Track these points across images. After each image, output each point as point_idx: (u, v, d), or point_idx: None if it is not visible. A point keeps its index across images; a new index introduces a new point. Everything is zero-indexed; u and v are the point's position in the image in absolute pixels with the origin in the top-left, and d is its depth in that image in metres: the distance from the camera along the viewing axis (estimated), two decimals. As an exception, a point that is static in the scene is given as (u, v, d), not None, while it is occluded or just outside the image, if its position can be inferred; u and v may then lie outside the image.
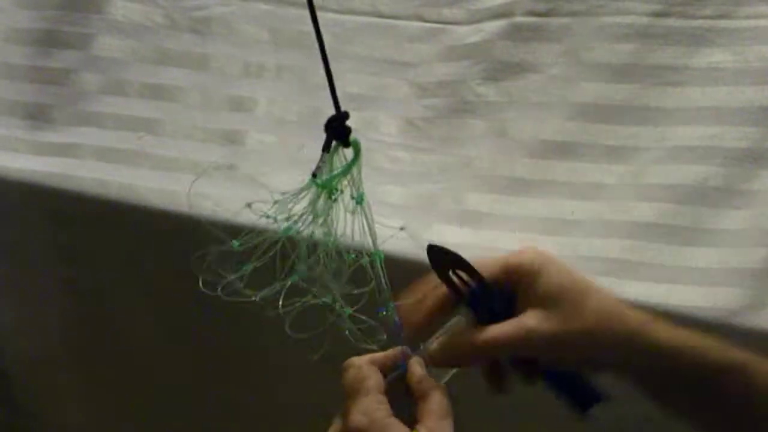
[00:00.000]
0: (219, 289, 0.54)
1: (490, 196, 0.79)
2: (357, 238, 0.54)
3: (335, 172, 0.54)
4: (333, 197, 0.54)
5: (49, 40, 0.90)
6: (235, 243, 0.55)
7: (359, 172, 0.54)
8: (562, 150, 0.79)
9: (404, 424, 0.50)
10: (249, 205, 0.55)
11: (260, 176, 0.82)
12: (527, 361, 0.55)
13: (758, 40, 0.77)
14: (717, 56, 0.77)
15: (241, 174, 0.83)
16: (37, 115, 0.88)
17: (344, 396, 0.52)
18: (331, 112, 0.85)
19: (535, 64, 0.81)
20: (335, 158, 0.55)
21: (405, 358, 0.55)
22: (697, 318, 0.72)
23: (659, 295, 0.73)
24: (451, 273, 0.55)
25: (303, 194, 0.54)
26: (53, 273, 0.91)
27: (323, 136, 0.86)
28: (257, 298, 0.54)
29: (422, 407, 0.51)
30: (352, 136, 0.54)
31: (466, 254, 0.76)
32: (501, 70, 0.81)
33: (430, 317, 0.56)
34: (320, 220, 0.54)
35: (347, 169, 0.54)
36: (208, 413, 0.95)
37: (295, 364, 0.87)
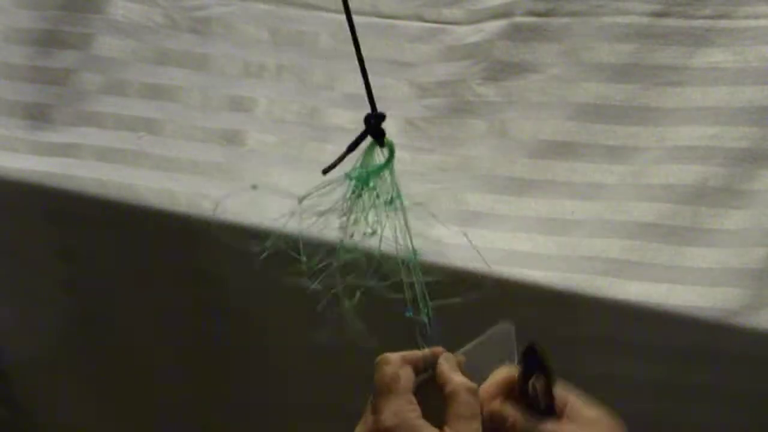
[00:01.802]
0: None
1: (490, 196, 0.79)
2: (397, 237, 0.54)
3: (369, 169, 0.54)
4: (363, 194, 0.54)
5: (49, 40, 0.90)
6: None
7: (393, 173, 0.54)
8: (562, 150, 0.79)
9: (434, 425, 0.50)
10: (254, 187, 0.55)
11: (260, 176, 0.82)
12: None
13: (758, 40, 0.77)
14: (717, 56, 0.77)
15: (241, 174, 0.83)
16: (37, 115, 0.88)
17: (375, 391, 0.52)
18: (332, 112, 0.85)
19: (535, 64, 0.81)
20: (372, 156, 0.55)
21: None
22: (697, 318, 0.72)
23: (659, 295, 0.73)
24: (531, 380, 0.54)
25: (330, 188, 0.54)
26: (53, 273, 0.91)
27: (323, 136, 0.86)
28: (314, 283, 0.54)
29: (450, 408, 0.51)
30: (388, 138, 0.54)
31: (466, 254, 0.76)
32: (501, 70, 0.81)
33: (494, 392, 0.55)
34: (352, 215, 0.54)
35: (382, 168, 0.54)
36: (208, 413, 0.95)
37: (296, 364, 0.87)
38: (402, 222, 0.54)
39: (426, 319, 0.55)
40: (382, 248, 0.55)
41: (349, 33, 0.86)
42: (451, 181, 0.80)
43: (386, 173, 0.54)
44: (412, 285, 0.54)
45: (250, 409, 0.93)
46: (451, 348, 0.56)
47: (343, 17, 0.86)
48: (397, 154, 0.82)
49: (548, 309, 0.74)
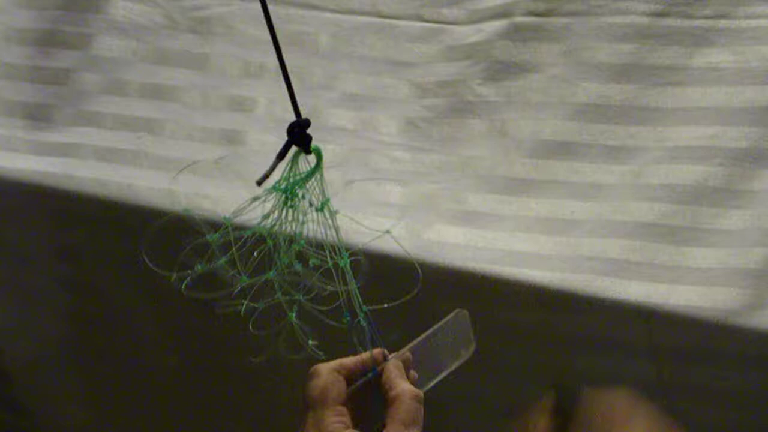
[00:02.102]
0: (182, 284, 0.55)
1: (490, 196, 0.79)
2: (331, 241, 0.54)
3: (297, 179, 0.54)
4: (290, 203, 0.54)
5: (49, 40, 0.90)
6: (213, 236, 0.55)
7: (321, 179, 0.55)
8: (562, 150, 0.79)
9: (374, 428, 0.49)
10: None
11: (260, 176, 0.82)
12: None
13: (758, 40, 0.77)
14: (717, 56, 0.77)
15: (241, 174, 0.83)
16: (37, 115, 0.88)
17: (305, 405, 0.51)
18: (332, 111, 0.85)
19: (535, 64, 0.81)
20: (298, 164, 0.55)
21: (380, 362, 0.54)
22: (697, 318, 0.72)
23: (659, 295, 0.73)
24: None
25: (267, 199, 0.55)
26: (53, 273, 0.91)
27: (323, 136, 0.86)
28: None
29: (390, 413, 0.51)
30: (314, 144, 0.54)
31: (465, 254, 0.76)
32: (501, 70, 0.81)
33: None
34: (284, 225, 0.54)
35: (309, 176, 0.54)
36: (208, 413, 0.95)
37: (296, 364, 0.87)
38: (332, 226, 0.54)
39: (363, 323, 0.54)
40: (314, 254, 0.55)
41: (349, 33, 0.86)
42: (451, 181, 0.80)
43: (315, 179, 0.54)
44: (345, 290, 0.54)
45: (250, 409, 0.93)
46: (400, 345, 0.55)
47: (344, 17, 0.86)
48: (397, 154, 0.83)
49: (548, 309, 0.74)
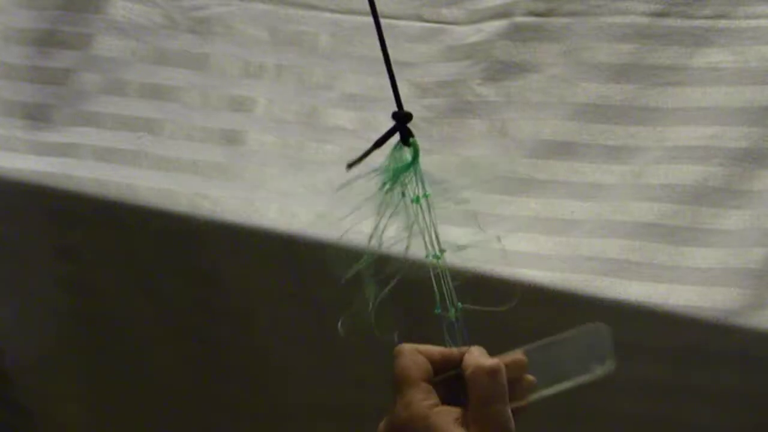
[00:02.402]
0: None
1: (490, 196, 0.79)
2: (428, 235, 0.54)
3: (395, 167, 0.54)
4: (390, 191, 0.54)
5: (49, 40, 0.90)
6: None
7: (419, 172, 0.55)
8: (562, 150, 0.79)
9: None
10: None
11: (260, 176, 0.82)
12: None
13: (758, 40, 0.77)
14: (717, 56, 0.77)
15: (241, 174, 0.83)
16: (37, 115, 0.88)
17: (392, 387, 0.50)
18: (332, 112, 0.85)
19: (535, 64, 0.81)
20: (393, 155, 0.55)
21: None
22: (697, 318, 0.72)
23: (659, 295, 0.73)
24: None
25: (356, 185, 0.54)
26: (53, 273, 0.91)
27: (323, 136, 0.86)
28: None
29: (469, 394, 0.49)
30: (413, 138, 0.54)
31: (465, 254, 0.76)
32: (501, 70, 0.81)
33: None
34: (380, 212, 0.54)
35: (407, 167, 0.54)
36: (208, 413, 0.95)
37: (296, 364, 0.87)
38: (429, 221, 0.54)
39: (453, 319, 0.54)
40: (410, 247, 0.55)
41: (349, 33, 0.86)
42: (451, 181, 0.80)
43: (412, 172, 0.54)
44: (438, 285, 0.54)
45: (250, 409, 0.93)
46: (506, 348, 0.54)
47: (343, 17, 0.86)
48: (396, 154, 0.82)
49: (548, 309, 0.74)
